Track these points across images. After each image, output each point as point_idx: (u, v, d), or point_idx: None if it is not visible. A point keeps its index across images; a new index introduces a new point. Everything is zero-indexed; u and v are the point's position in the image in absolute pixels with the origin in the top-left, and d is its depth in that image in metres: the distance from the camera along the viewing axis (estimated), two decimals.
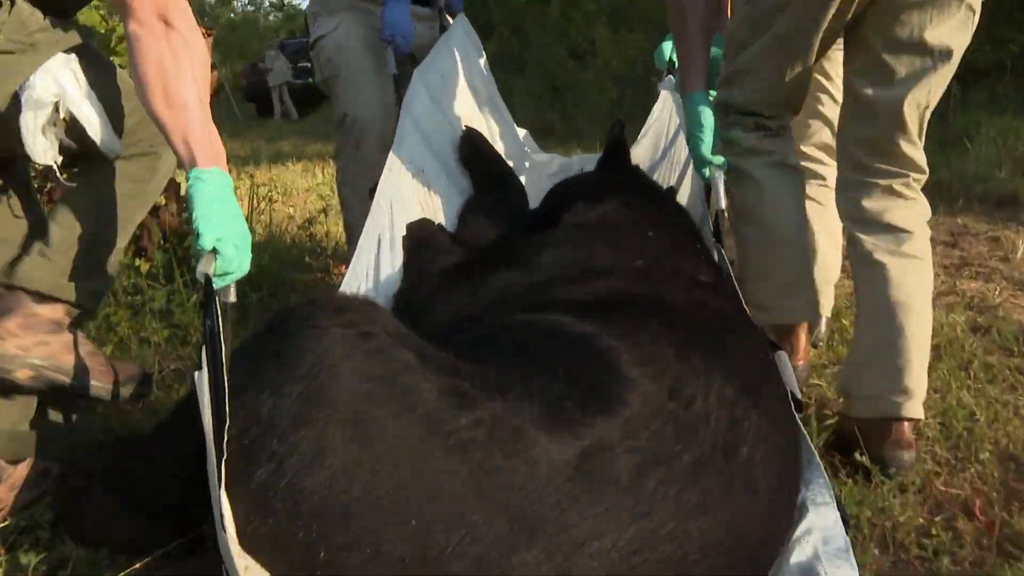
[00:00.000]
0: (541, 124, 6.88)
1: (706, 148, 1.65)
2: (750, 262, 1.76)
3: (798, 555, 1.01)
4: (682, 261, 1.42)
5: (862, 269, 1.63)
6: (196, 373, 1.00)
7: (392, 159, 1.78)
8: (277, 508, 0.81)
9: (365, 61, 2.20)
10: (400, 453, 0.85)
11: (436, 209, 1.86)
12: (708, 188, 1.74)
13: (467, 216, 1.88)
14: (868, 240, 1.60)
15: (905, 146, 1.57)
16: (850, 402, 1.64)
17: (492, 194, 1.93)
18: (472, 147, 2.01)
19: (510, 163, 2.09)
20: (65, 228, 1.41)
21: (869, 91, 1.56)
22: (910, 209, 1.60)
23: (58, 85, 1.27)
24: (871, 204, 1.60)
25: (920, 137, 1.58)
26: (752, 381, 1.11)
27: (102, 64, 1.40)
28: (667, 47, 2.35)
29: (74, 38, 1.35)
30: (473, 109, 2.18)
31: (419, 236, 1.72)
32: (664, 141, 2.21)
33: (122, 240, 1.48)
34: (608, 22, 8.44)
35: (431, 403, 0.90)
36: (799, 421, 1.18)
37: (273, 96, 14.51)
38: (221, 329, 1.02)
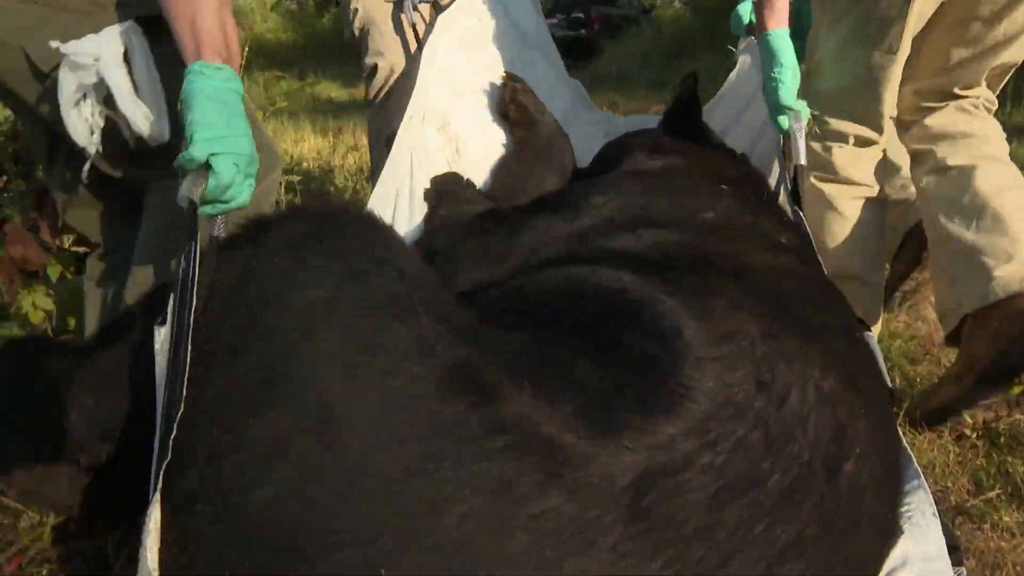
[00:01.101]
0: None
1: (786, 92, 1.39)
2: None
3: None
4: (761, 220, 1.16)
5: (941, 179, 1.45)
6: (156, 327, 0.78)
7: (413, 108, 1.55)
8: (202, 532, 0.55)
9: (392, 12, 2.06)
10: (380, 465, 0.59)
11: (466, 166, 1.62)
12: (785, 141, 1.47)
13: (502, 172, 1.63)
14: (942, 148, 1.46)
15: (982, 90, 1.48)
16: (956, 304, 1.36)
17: (534, 149, 1.67)
18: (512, 95, 1.73)
19: (558, 117, 1.83)
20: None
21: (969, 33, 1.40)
22: (984, 121, 1.49)
23: (98, 48, 1.04)
24: (939, 120, 1.49)
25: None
26: (853, 370, 0.87)
27: None
28: (744, 8, 2.03)
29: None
30: (517, 56, 1.93)
31: (444, 188, 1.48)
32: (739, 105, 1.94)
33: None
34: None
35: (435, 392, 0.65)
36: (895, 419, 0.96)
37: None
38: (195, 275, 0.76)
